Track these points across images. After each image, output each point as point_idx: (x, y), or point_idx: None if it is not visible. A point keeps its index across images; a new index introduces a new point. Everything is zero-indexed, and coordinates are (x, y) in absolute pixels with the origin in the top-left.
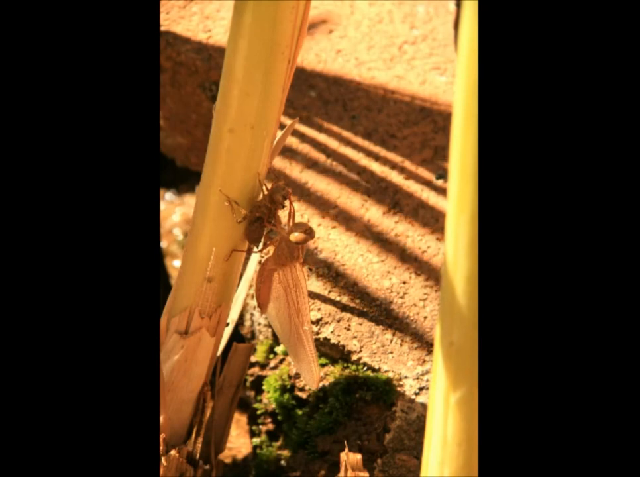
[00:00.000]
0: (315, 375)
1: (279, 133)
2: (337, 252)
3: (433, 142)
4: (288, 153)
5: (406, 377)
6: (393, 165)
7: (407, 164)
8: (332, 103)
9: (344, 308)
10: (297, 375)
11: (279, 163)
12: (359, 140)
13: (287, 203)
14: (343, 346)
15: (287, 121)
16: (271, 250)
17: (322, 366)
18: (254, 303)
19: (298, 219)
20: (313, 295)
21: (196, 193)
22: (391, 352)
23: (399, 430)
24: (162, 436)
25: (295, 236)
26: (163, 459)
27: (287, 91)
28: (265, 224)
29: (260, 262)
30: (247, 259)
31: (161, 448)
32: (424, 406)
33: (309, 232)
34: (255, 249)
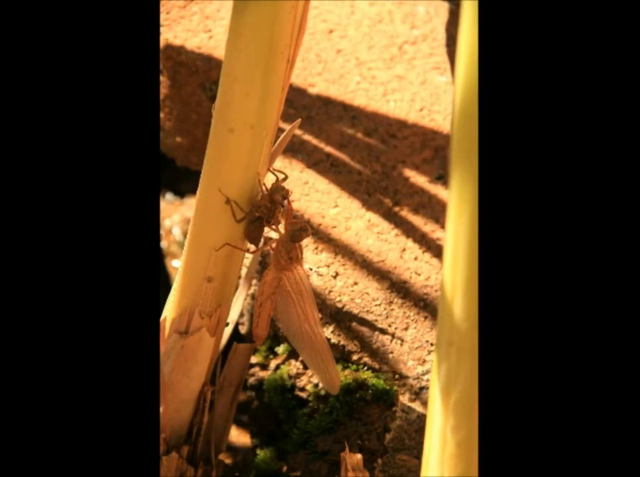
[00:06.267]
0: (333, 380)
1: (281, 135)
2: (337, 251)
3: (433, 142)
4: (288, 153)
5: (406, 377)
6: (393, 165)
7: (407, 164)
8: (332, 103)
9: (344, 308)
10: (298, 375)
11: (279, 163)
12: (359, 140)
13: (286, 202)
14: (343, 346)
15: (288, 121)
16: (270, 255)
17: None
18: (254, 303)
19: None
20: (313, 295)
21: (196, 193)
22: (391, 352)
23: (400, 430)
24: (162, 436)
25: (291, 234)
26: (163, 459)
27: (287, 90)
28: (264, 224)
29: (259, 262)
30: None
31: (161, 448)
32: (424, 406)
33: (305, 229)
34: (252, 248)
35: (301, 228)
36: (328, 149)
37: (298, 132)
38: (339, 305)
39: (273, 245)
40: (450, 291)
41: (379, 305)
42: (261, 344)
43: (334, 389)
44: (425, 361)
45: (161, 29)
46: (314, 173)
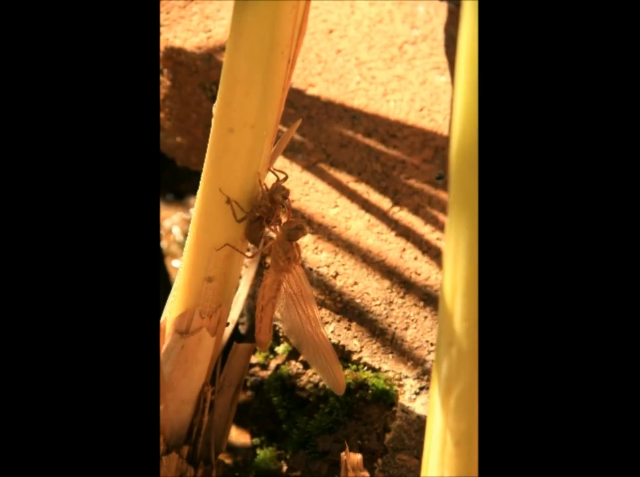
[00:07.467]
0: (338, 380)
1: (281, 135)
2: (337, 252)
3: (433, 142)
4: (288, 153)
5: (406, 377)
6: (393, 165)
7: (407, 164)
8: (332, 103)
9: (344, 308)
10: (298, 375)
11: (279, 163)
12: (359, 140)
13: (287, 202)
14: (343, 346)
15: (288, 121)
16: (269, 259)
17: None
18: (254, 303)
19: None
20: (314, 296)
21: (196, 193)
22: (391, 352)
23: (400, 429)
24: (162, 436)
25: (287, 233)
26: (163, 459)
27: (287, 90)
28: (264, 224)
29: (261, 264)
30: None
31: (161, 448)
32: (424, 406)
33: (301, 228)
34: (253, 250)
35: (296, 227)
36: (328, 149)
37: (298, 132)
38: (339, 305)
39: (270, 246)
40: (450, 291)
41: (379, 305)
42: (265, 350)
43: (339, 390)
44: (425, 361)
45: (161, 29)
46: (314, 173)
